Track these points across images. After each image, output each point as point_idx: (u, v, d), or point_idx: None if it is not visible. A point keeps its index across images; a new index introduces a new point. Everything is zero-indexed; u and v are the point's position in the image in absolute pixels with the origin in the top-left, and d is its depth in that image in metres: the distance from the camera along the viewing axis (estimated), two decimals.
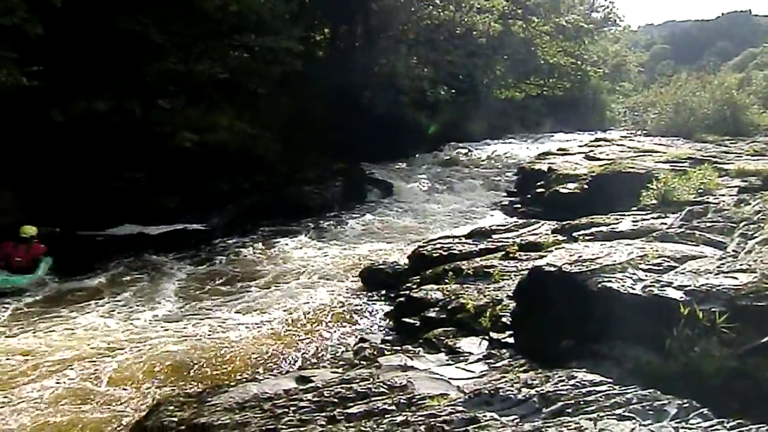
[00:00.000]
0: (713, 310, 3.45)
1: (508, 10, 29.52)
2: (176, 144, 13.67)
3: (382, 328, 6.79)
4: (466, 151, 23.29)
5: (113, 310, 8.01)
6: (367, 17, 21.95)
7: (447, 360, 4.60)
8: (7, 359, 6.32)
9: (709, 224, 5.68)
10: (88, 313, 7.91)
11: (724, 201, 7.33)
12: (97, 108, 13.47)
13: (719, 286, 3.66)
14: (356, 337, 6.55)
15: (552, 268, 4.30)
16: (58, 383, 5.69)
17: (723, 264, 4.14)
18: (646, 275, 4.02)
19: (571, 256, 4.44)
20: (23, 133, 12.28)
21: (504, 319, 5.29)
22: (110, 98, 13.63)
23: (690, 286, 3.73)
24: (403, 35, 23.28)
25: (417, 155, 22.97)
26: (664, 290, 3.74)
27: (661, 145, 16.11)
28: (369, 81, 20.78)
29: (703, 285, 3.70)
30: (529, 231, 8.92)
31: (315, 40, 22.70)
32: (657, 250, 4.49)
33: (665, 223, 6.74)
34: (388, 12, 21.89)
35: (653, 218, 7.40)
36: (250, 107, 16.25)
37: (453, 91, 25.12)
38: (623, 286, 3.87)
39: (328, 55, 22.93)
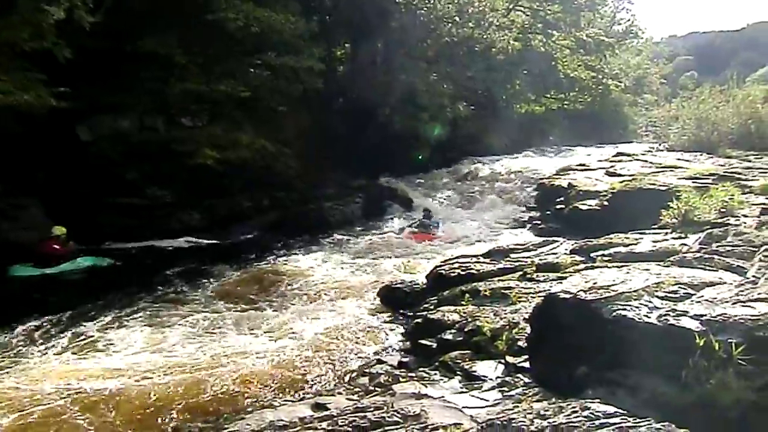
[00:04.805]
0: (730, 341, 3.41)
1: (528, 24, 29.51)
2: (198, 161, 13.93)
3: (398, 349, 6.78)
4: (486, 165, 23.27)
5: (124, 329, 7.83)
6: (387, 34, 22.11)
7: (461, 387, 4.59)
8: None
9: (729, 248, 5.60)
10: (100, 330, 7.77)
11: (745, 223, 7.23)
12: (121, 126, 13.83)
13: (736, 316, 3.61)
14: (373, 358, 6.55)
15: (567, 295, 4.28)
16: (66, 405, 5.52)
17: (741, 292, 4.08)
18: (662, 303, 3.98)
19: (586, 282, 4.42)
20: (51, 151, 12.64)
21: (520, 343, 5.27)
22: (134, 117, 13.98)
23: (706, 315, 3.68)
24: (423, 52, 23.43)
25: (436, 170, 23.00)
26: (680, 319, 3.69)
27: (683, 160, 15.89)
28: (388, 97, 20.91)
29: (719, 315, 3.65)
30: (547, 250, 8.90)
31: (335, 56, 22.94)
32: (674, 277, 4.44)
33: (685, 245, 6.68)
34: (408, 29, 22.05)
35: (673, 238, 7.33)
36: (270, 125, 16.49)
37: (472, 106, 25.15)
38: (638, 314, 3.84)
39: (348, 72, 23.15)
